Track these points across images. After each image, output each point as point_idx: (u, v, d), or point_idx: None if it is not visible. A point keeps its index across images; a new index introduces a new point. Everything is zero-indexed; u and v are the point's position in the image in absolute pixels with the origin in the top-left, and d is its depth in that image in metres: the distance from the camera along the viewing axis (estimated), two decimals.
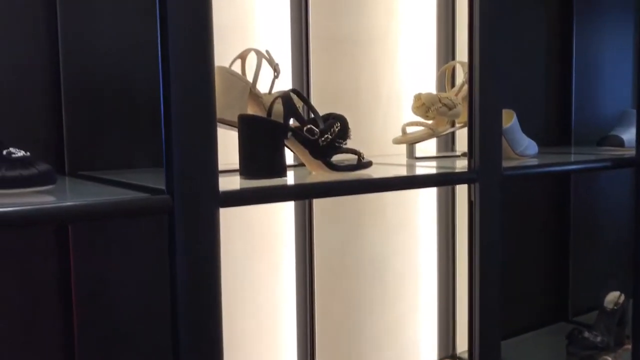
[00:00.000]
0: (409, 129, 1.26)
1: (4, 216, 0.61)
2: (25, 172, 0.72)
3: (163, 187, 0.74)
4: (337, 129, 0.94)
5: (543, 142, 1.44)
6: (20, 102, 0.98)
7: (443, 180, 1.14)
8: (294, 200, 1.25)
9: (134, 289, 1.06)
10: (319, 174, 0.95)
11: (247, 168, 0.90)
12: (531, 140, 1.32)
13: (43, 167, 0.74)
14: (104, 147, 1.04)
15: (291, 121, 0.92)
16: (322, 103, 1.15)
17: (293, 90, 0.96)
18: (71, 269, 1.00)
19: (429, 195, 1.50)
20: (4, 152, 0.73)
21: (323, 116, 0.96)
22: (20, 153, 0.74)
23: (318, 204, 1.29)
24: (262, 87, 1.06)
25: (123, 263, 1.05)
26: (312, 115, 0.95)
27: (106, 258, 1.04)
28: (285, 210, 1.28)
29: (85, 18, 1.02)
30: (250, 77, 1.04)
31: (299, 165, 1.10)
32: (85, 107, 1.02)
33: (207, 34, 0.73)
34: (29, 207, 0.63)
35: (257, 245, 1.26)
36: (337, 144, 0.95)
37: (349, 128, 0.96)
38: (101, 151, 1.04)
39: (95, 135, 1.03)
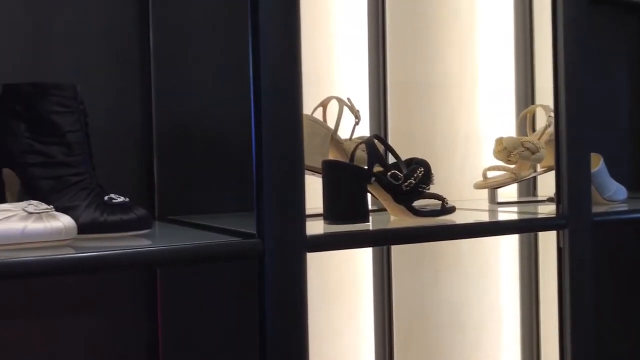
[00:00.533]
0: (490, 174, 1.24)
1: (109, 258, 0.64)
2: (125, 217, 0.76)
3: (252, 230, 0.75)
4: (420, 174, 0.94)
5: (631, 187, 1.38)
6: (116, 150, 1.03)
7: (530, 227, 1.11)
8: (379, 246, 1.24)
9: (222, 333, 1.08)
10: (401, 219, 0.95)
11: (331, 213, 0.90)
12: (619, 185, 1.27)
13: (141, 212, 0.78)
14: (191, 192, 1.07)
15: None
16: (400, 147, 1.15)
17: (375, 136, 0.96)
18: (158, 312, 1.03)
19: (509, 240, 1.46)
20: (106, 198, 0.77)
21: (405, 161, 0.96)
22: (120, 199, 0.78)
23: (396, 248, 1.28)
24: (343, 133, 1.07)
25: (209, 307, 1.07)
26: (394, 160, 0.96)
27: (193, 302, 1.06)
28: (363, 255, 1.27)
29: (177, 68, 1.07)
30: (331, 124, 1.06)
31: (378, 210, 1.10)
32: (176, 154, 1.06)
33: (296, 84, 0.76)
34: (132, 250, 0.66)
35: (335, 290, 1.25)
36: (420, 189, 0.94)
37: (432, 173, 0.95)
38: (189, 196, 1.07)
39: (184, 180, 1.07)
